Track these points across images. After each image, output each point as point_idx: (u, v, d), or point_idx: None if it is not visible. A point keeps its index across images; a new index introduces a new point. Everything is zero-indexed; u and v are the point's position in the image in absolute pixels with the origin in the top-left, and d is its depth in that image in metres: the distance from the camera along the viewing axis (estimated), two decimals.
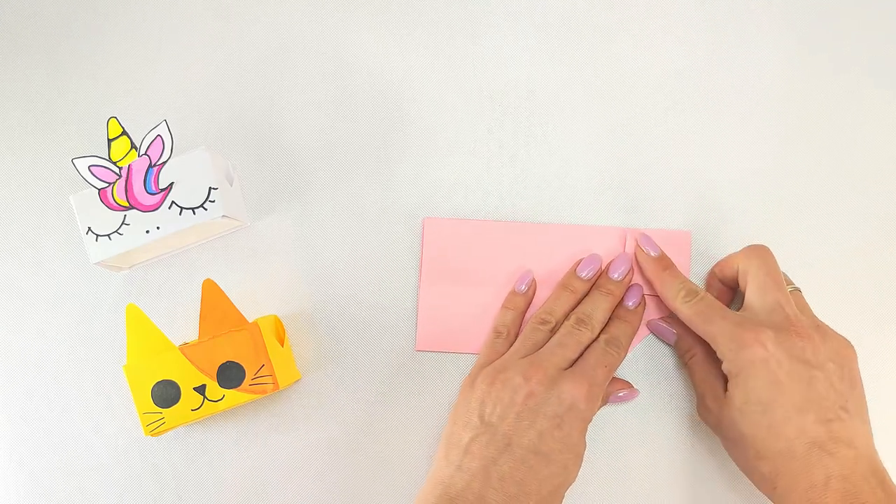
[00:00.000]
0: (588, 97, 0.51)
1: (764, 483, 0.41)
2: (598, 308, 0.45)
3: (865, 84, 0.50)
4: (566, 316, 0.46)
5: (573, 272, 0.47)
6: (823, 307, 0.45)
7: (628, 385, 0.47)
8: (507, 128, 0.50)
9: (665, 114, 0.50)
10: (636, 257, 0.47)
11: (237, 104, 0.51)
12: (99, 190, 0.45)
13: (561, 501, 0.42)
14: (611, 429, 0.48)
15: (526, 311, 0.48)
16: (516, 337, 0.47)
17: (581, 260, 0.47)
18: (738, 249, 0.46)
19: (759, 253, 0.44)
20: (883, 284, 0.49)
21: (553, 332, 0.45)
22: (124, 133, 0.45)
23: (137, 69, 0.52)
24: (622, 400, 0.47)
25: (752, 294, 0.43)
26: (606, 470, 0.48)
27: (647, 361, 0.49)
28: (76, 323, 0.50)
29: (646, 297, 0.47)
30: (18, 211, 0.51)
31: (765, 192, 0.49)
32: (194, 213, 0.45)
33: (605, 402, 0.47)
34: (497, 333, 0.47)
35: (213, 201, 0.45)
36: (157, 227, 0.45)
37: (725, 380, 0.42)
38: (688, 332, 0.46)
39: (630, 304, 0.46)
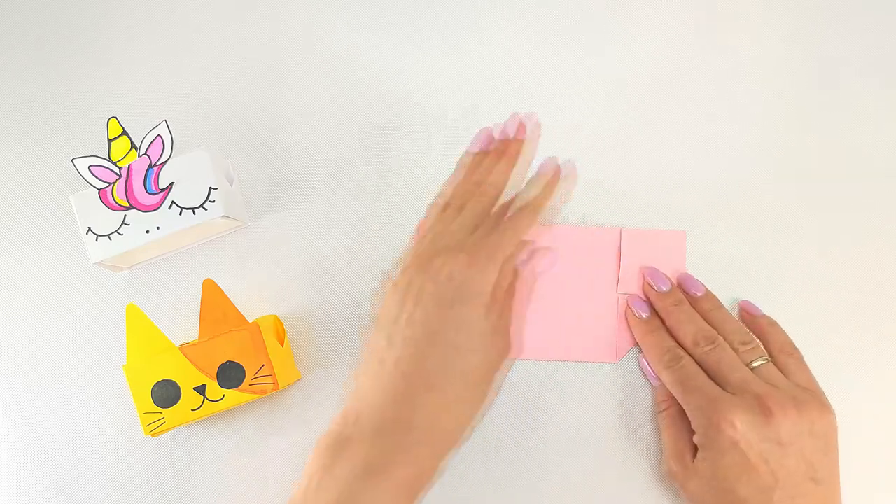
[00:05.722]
0: (584, 96, 0.51)
1: None
2: (501, 174, 0.39)
3: (864, 80, 0.50)
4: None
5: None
6: (827, 300, 0.45)
7: (548, 250, 0.39)
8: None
9: (660, 113, 0.50)
10: (626, 318, 0.47)
11: (237, 104, 0.51)
12: (99, 190, 0.45)
13: (484, 388, 0.36)
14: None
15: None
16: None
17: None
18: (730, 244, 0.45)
19: None
20: (884, 275, 0.48)
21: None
22: (124, 133, 0.45)
23: (137, 69, 0.52)
24: (543, 263, 0.39)
25: (719, 380, 0.43)
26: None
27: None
28: (76, 323, 0.50)
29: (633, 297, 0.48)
30: (18, 211, 0.51)
31: (760, 190, 0.49)
32: (194, 213, 0.45)
33: (528, 274, 0.38)
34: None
35: (213, 201, 0.45)
36: (157, 227, 0.45)
37: (694, 445, 0.43)
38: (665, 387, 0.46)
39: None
